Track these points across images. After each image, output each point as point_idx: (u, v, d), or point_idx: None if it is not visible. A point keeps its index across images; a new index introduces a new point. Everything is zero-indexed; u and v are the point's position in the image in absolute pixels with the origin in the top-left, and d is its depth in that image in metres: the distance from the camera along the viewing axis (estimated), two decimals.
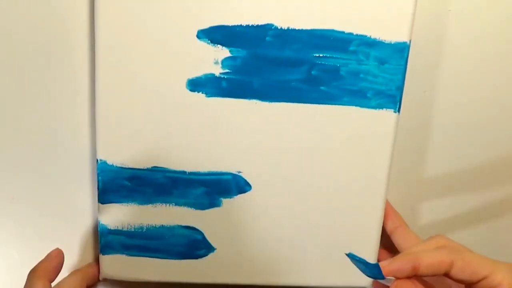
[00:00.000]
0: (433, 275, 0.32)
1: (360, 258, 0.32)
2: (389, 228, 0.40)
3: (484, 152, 0.43)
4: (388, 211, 0.41)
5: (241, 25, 0.35)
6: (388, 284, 0.32)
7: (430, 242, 0.34)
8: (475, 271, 0.31)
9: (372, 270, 0.31)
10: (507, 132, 0.43)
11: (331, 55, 0.36)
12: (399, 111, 0.37)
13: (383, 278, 0.31)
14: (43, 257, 0.37)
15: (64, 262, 0.40)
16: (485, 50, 0.41)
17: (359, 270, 0.40)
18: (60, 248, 0.38)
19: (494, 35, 0.40)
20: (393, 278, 0.31)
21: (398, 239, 0.40)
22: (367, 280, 0.41)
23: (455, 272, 0.31)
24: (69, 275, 0.39)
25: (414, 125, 0.42)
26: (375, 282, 0.34)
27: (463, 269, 0.31)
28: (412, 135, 0.42)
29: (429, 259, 0.31)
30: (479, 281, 0.31)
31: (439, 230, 0.44)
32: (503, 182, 0.44)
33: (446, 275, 0.31)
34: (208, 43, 0.35)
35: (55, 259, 0.37)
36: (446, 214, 0.44)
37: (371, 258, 0.40)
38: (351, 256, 0.32)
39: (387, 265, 0.31)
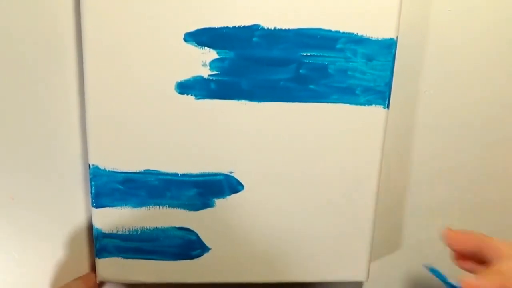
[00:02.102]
0: None
1: (442, 276, 0.30)
2: (472, 249, 0.35)
3: (472, 152, 0.43)
4: (466, 237, 0.35)
5: (227, 27, 0.35)
6: None
7: None
8: None
9: None
10: (499, 132, 0.43)
11: (318, 54, 0.36)
12: (388, 107, 0.37)
13: None
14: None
15: (61, 265, 0.41)
16: (478, 50, 0.41)
17: (354, 265, 0.41)
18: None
19: (490, 34, 0.41)
20: None
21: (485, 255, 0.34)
22: (363, 275, 0.41)
23: None
24: (73, 280, 0.40)
25: (404, 123, 0.42)
26: None
27: None
28: (400, 132, 0.42)
29: None
30: None
31: (426, 226, 0.45)
32: (490, 181, 0.44)
33: None
34: (195, 46, 0.35)
35: (93, 275, 0.40)
36: (433, 210, 0.45)
37: (366, 252, 0.40)
38: (432, 271, 0.30)
39: (473, 284, 0.29)
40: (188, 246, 0.39)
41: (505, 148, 0.43)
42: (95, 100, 0.35)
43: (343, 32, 0.35)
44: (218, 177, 0.38)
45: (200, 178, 0.38)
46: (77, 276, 0.40)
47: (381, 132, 0.38)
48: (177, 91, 0.36)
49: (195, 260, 0.39)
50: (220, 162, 0.38)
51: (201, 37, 0.35)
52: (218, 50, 0.35)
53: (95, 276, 0.40)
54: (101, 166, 0.37)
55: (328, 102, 0.37)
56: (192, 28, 0.35)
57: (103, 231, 0.38)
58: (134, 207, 0.38)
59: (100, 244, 0.38)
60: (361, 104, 0.37)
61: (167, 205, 0.38)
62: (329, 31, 0.35)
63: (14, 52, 0.37)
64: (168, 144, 0.37)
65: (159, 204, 0.38)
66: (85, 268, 0.41)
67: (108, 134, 0.36)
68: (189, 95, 0.36)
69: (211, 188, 0.38)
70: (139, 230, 0.38)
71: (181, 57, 0.35)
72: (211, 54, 0.35)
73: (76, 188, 0.40)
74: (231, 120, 0.37)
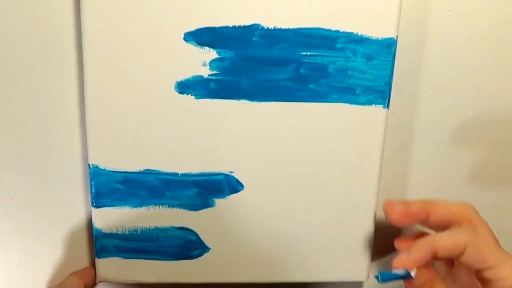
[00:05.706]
0: (449, 257, 0.32)
1: (390, 275, 0.32)
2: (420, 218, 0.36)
3: (472, 152, 0.43)
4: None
5: (227, 26, 0.35)
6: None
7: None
8: (484, 259, 0.30)
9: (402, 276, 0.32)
10: (499, 132, 0.43)
11: (318, 53, 0.36)
12: (388, 106, 0.37)
13: (412, 277, 0.32)
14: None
15: (61, 265, 0.41)
16: (478, 50, 0.41)
17: (354, 265, 0.41)
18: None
19: (490, 34, 0.41)
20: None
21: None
22: (363, 275, 0.41)
23: (465, 256, 0.31)
24: (68, 276, 0.40)
25: (404, 123, 0.42)
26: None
27: (473, 255, 0.31)
28: (400, 132, 0.42)
29: (445, 242, 0.31)
30: (485, 269, 0.31)
31: None
32: (490, 181, 0.44)
33: (457, 258, 0.31)
34: (195, 45, 0.35)
35: (92, 270, 0.40)
36: None
37: (366, 252, 0.40)
38: (382, 277, 0.33)
39: (408, 258, 0.32)
40: (188, 246, 0.39)
41: (505, 148, 0.43)
42: (95, 99, 0.36)
43: (343, 32, 0.36)
44: (218, 177, 0.38)
45: (200, 178, 0.38)
46: None
47: (381, 132, 0.38)
48: (177, 91, 0.36)
49: (195, 260, 0.39)
50: (220, 162, 0.38)
51: (201, 37, 0.35)
52: (218, 49, 0.35)
53: (94, 271, 0.40)
54: (101, 166, 0.37)
55: (328, 102, 0.37)
56: (192, 28, 0.35)
57: (103, 231, 0.38)
58: (134, 207, 0.38)
59: (100, 244, 0.38)
60: (361, 103, 0.37)
61: (167, 205, 0.38)
62: (329, 30, 0.35)
63: (13, 52, 0.37)
64: (168, 144, 0.37)
65: (159, 204, 0.38)
66: None
67: (108, 134, 0.36)
68: (189, 94, 0.36)
69: (211, 188, 0.38)
70: (139, 230, 0.38)
71: (181, 56, 0.35)
72: (211, 54, 0.35)
73: (76, 188, 0.39)
74: (231, 120, 0.37)
